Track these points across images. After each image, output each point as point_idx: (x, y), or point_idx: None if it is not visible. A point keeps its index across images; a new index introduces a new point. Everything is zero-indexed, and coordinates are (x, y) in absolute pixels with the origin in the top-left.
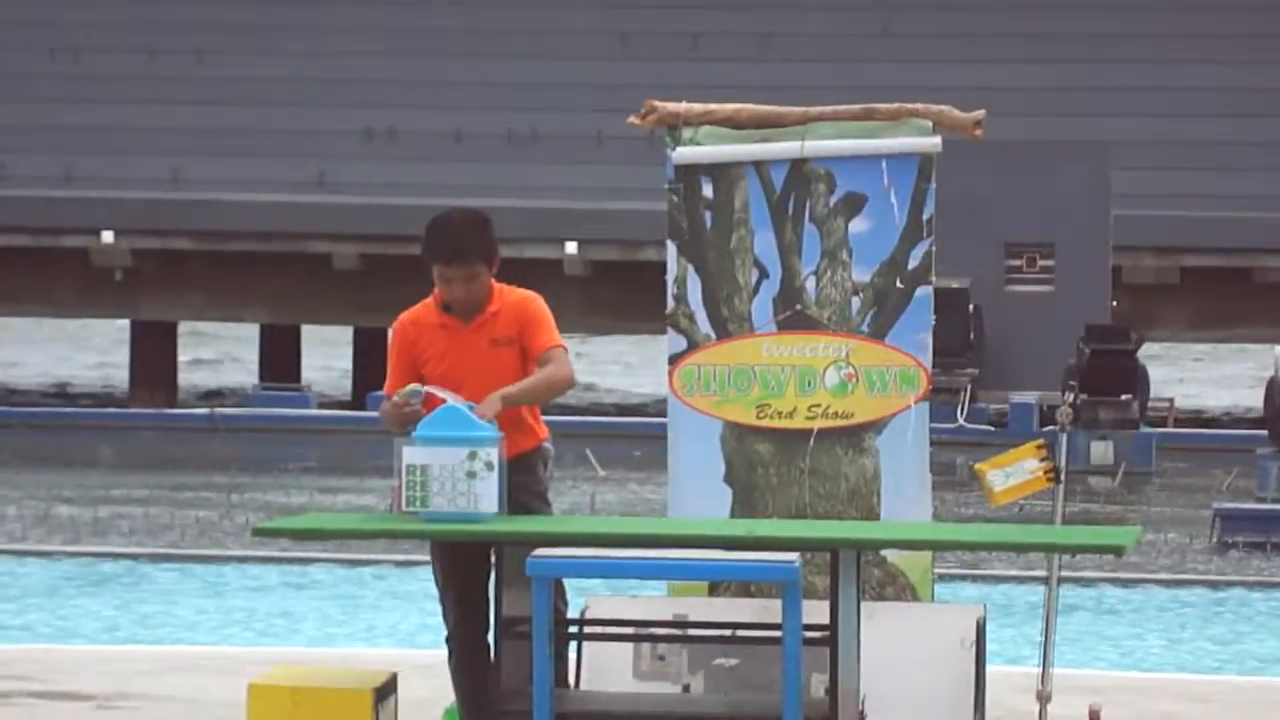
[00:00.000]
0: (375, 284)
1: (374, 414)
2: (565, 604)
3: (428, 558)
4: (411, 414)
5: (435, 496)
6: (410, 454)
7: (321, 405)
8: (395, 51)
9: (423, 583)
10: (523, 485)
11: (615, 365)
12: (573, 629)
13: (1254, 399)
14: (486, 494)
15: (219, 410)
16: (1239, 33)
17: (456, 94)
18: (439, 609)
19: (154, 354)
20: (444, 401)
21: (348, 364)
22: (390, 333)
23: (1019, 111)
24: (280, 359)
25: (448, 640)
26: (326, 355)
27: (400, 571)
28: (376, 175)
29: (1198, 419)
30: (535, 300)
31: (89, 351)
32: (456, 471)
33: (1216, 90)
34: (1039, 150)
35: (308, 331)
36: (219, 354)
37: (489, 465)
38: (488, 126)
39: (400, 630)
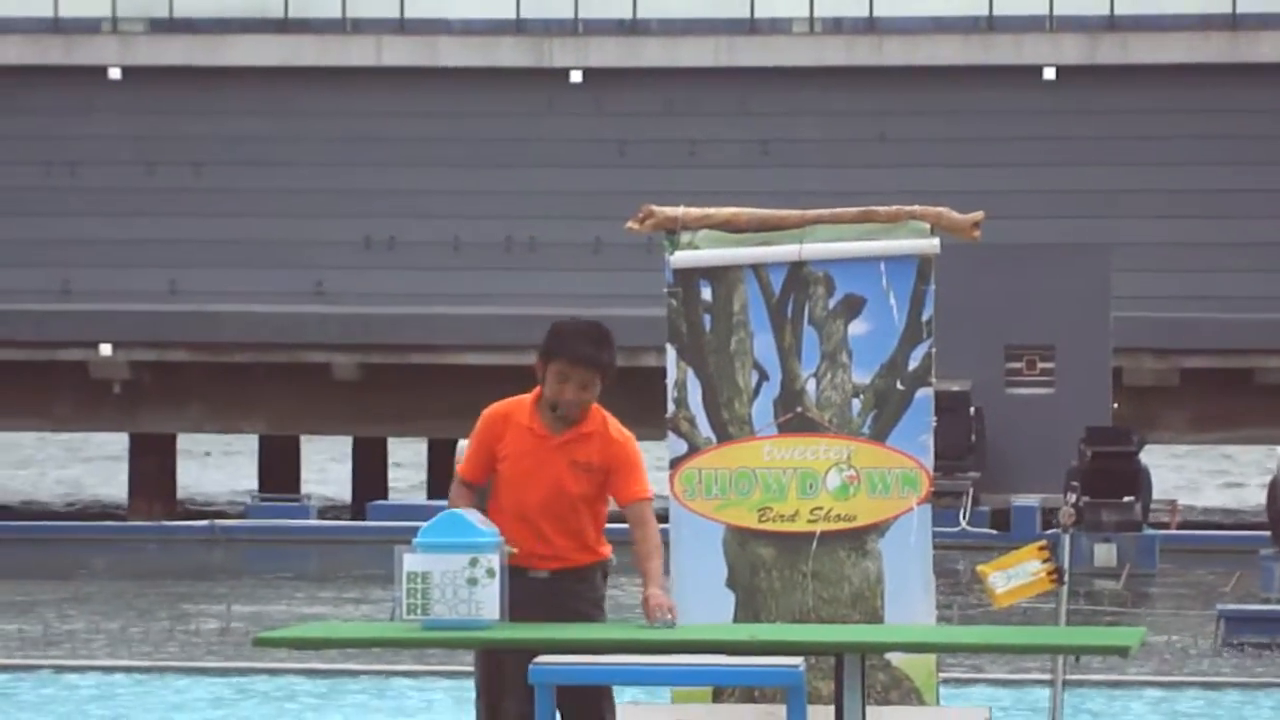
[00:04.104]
0: (374, 394)
1: (373, 523)
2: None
3: (443, 667)
4: None
5: (436, 604)
6: (411, 561)
7: (321, 515)
8: (393, 161)
9: (435, 691)
10: (577, 593)
11: None
12: None
13: (1257, 499)
14: (488, 601)
15: (219, 522)
16: (1235, 133)
17: (454, 202)
18: (452, 715)
19: (152, 466)
20: (509, 561)
21: (348, 473)
22: (480, 419)
23: (1018, 214)
24: (279, 469)
25: None
26: (327, 464)
27: (418, 680)
28: (374, 284)
29: (1201, 520)
30: (633, 443)
31: (85, 464)
32: (457, 579)
33: (1214, 192)
34: (1038, 253)
35: (306, 440)
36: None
37: (490, 572)
38: (486, 235)
39: None
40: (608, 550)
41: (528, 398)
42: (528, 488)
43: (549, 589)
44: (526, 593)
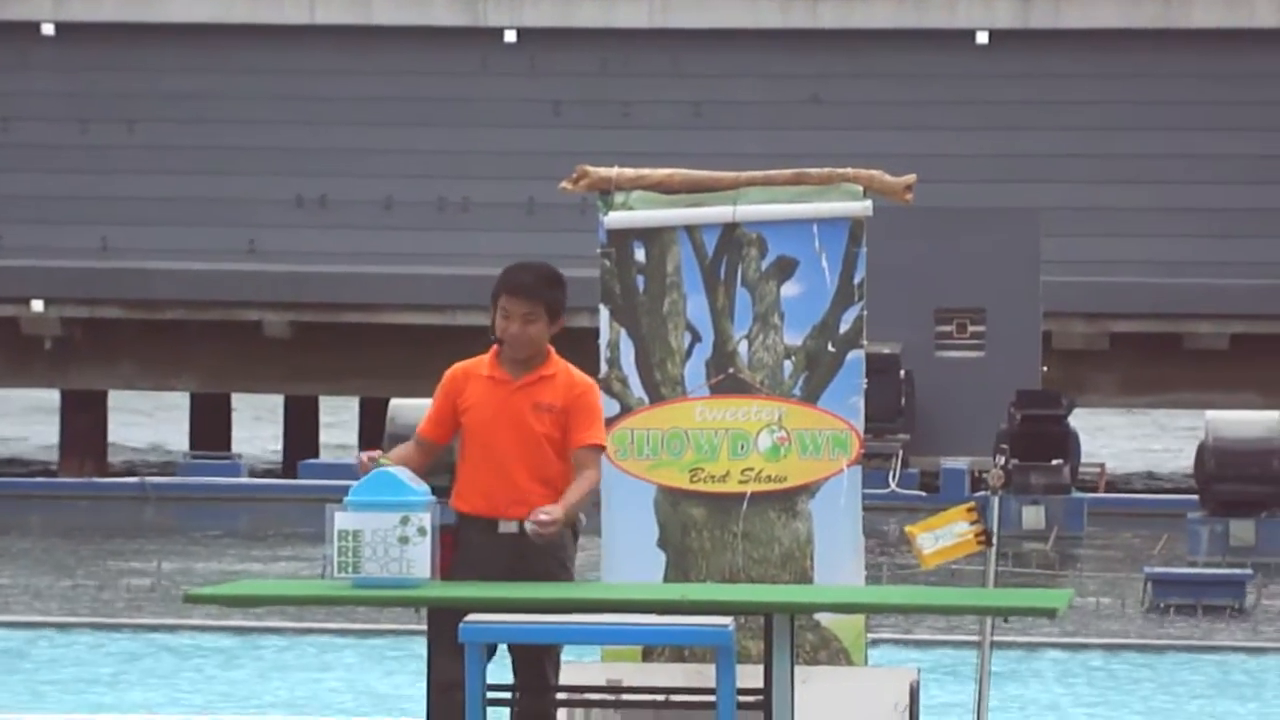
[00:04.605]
0: (306, 352)
1: (305, 481)
2: (556, 673)
3: (371, 626)
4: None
5: (367, 562)
6: (342, 519)
7: (252, 473)
8: (326, 119)
9: (359, 650)
10: (545, 550)
11: None
12: (504, 694)
13: (1186, 463)
14: (419, 559)
15: (150, 479)
16: (1167, 99)
17: (387, 161)
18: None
19: (84, 423)
20: (478, 514)
21: (278, 431)
22: (442, 377)
23: (950, 178)
24: (210, 427)
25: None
26: (258, 423)
27: (342, 640)
28: (307, 243)
29: (1129, 484)
30: (595, 390)
31: (12, 419)
32: (389, 537)
33: (1145, 157)
34: (970, 216)
35: (238, 398)
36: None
37: (421, 530)
38: (419, 194)
39: (327, 698)
40: None
41: (487, 355)
42: (494, 434)
43: (517, 545)
44: (493, 548)
